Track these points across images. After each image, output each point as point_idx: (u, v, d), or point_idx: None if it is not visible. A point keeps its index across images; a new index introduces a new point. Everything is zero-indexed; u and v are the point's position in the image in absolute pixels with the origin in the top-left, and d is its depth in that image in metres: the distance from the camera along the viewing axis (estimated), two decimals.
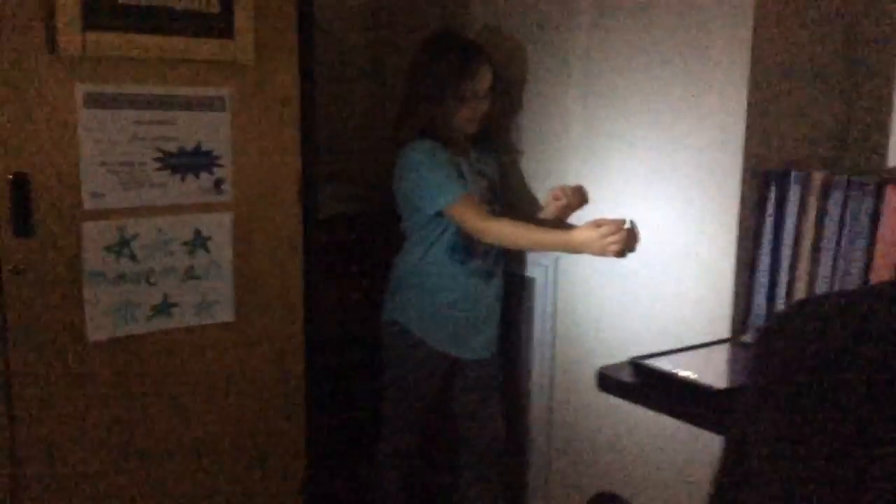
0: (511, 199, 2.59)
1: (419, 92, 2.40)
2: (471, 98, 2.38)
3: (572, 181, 2.41)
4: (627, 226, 2.17)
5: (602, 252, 2.16)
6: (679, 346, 1.97)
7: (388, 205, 2.52)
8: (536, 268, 2.57)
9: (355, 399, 2.89)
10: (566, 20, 2.39)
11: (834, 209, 1.92)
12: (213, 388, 2.36)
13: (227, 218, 2.29)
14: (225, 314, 2.33)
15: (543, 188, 2.50)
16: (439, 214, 2.37)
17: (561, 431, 2.56)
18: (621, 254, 2.16)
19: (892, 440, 0.85)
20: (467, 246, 2.42)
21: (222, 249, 2.29)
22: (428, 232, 2.42)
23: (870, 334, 0.89)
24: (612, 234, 2.14)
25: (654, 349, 1.92)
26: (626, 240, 2.16)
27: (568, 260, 2.46)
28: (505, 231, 2.33)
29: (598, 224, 2.18)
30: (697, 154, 2.08)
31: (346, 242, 2.93)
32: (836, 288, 1.90)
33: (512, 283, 2.60)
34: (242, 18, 2.22)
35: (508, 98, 2.55)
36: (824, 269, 1.95)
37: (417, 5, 2.98)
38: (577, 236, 2.20)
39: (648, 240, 2.22)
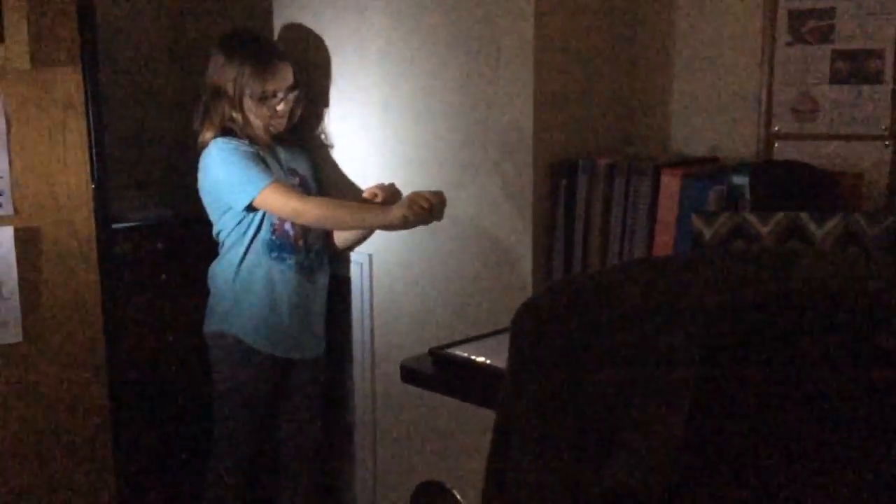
0: (326, 194, 2.56)
1: (216, 93, 2.34)
2: (268, 98, 2.34)
3: (378, 175, 2.43)
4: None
5: (412, 214, 2.13)
6: (488, 333, 2.02)
7: (197, 210, 2.44)
8: (352, 266, 2.57)
9: (169, 416, 2.77)
10: (362, 16, 2.40)
11: (618, 194, 2.03)
12: (4, 417, 2.21)
13: (7, 232, 2.15)
14: (12, 335, 2.18)
15: (357, 181, 2.50)
16: (251, 209, 2.31)
17: (385, 426, 2.57)
18: (427, 217, 2.16)
19: (637, 409, 0.89)
20: (284, 242, 2.38)
21: (5, 266, 2.15)
22: (242, 232, 2.36)
23: (616, 312, 0.93)
24: (421, 197, 2.15)
25: (463, 337, 1.96)
26: (433, 202, 2.16)
27: (381, 257, 2.48)
28: (323, 207, 2.30)
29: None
30: (492, 149, 2.14)
31: (153, 251, 2.81)
32: None
33: (329, 283, 2.58)
34: (13, 21, 2.09)
35: (315, 94, 2.53)
36: (613, 249, 2.05)
37: (219, 5, 2.90)
38: (389, 206, 2.21)
39: (452, 234, 2.26)
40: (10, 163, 2.15)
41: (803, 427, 0.87)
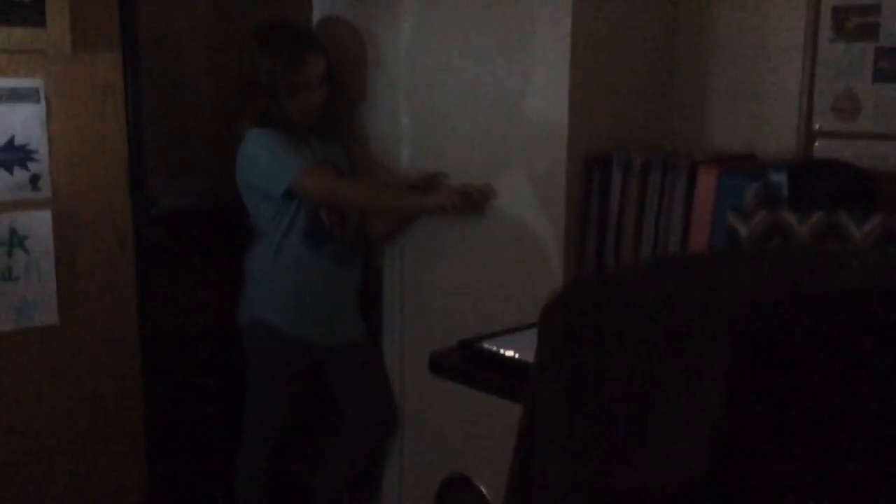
0: None
1: (252, 83, 2.36)
2: (303, 88, 2.35)
3: (411, 168, 2.42)
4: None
5: (446, 202, 2.20)
6: (518, 326, 2.01)
7: (233, 199, 2.46)
8: (385, 257, 2.57)
9: (200, 403, 2.80)
10: (398, 10, 2.40)
11: (653, 189, 2.01)
12: (37, 398, 2.24)
13: (45, 215, 2.18)
14: (47, 317, 2.21)
15: (391, 174, 2.50)
16: (289, 196, 2.32)
17: (412, 416, 2.58)
18: (465, 209, 2.21)
19: (666, 403, 0.88)
20: (321, 230, 2.40)
21: (42, 249, 2.18)
22: (279, 221, 2.38)
23: (646, 307, 0.92)
24: (459, 192, 2.20)
25: (494, 330, 1.95)
26: (467, 197, 2.20)
27: (413, 248, 2.48)
28: (360, 187, 2.36)
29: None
30: (527, 142, 2.13)
31: (189, 237, 2.84)
32: None
33: (362, 272, 2.59)
34: (55, 6, 2.11)
35: (350, 85, 2.54)
36: (647, 245, 2.03)
37: None
38: (429, 193, 2.27)
39: (485, 226, 2.26)
40: (50, 147, 2.17)
41: (836, 428, 0.85)
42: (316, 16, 2.66)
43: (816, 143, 2.03)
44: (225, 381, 2.63)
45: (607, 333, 0.91)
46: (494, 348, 1.67)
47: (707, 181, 1.90)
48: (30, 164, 2.15)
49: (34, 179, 2.16)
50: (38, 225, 2.18)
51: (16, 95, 2.11)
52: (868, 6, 1.94)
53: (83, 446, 2.34)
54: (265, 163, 2.32)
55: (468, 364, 1.68)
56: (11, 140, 2.12)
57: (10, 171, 2.12)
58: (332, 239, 2.43)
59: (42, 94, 2.15)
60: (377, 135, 2.55)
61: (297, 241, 2.40)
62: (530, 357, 1.65)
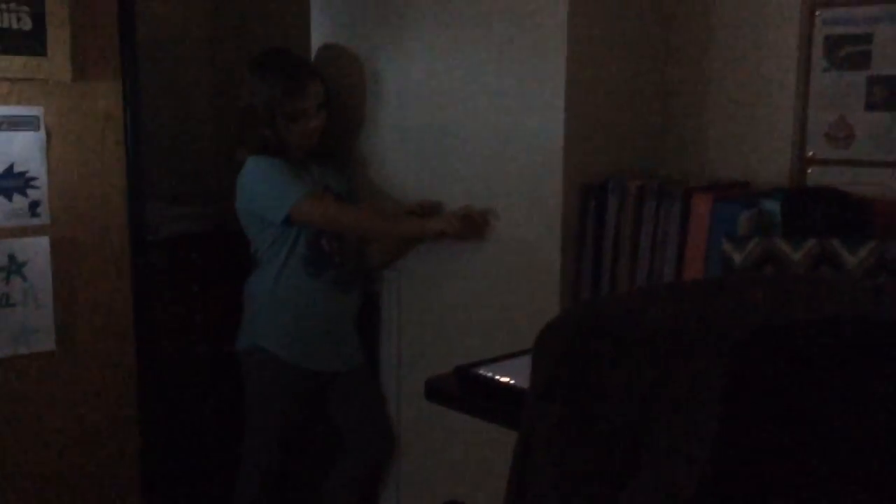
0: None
1: (250, 111, 2.38)
2: (301, 115, 2.37)
3: (409, 194, 2.44)
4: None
5: (446, 227, 2.22)
6: (515, 352, 2.02)
7: (231, 225, 2.47)
8: (382, 282, 2.58)
9: (197, 430, 2.79)
10: (397, 38, 2.43)
11: (648, 216, 2.02)
12: (34, 423, 2.24)
13: (44, 242, 2.19)
14: (45, 343, 2.21)
15: (389, 203, 2.52)
16: (289, 223, 2.34)
17: (410, 442, 2.57)
18: (464, 233, 2.23)
19: (661, 434, 0.88)
20: (321, 257, 2.41)
21: (40, 275, 2.19)
22: (279, 248, 2.39)
23: (642, 335, 0.93)
24: (459, 216, 2.23)
25: (491, 357, 1.96)
26: (468, 221, 2.22)
27: (411, 274, 2.49)
28: (359, 213, 2.37)
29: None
30: (523, 168, 2.15)
31: (186, 263, 2.84)
32: None
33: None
34: (57, 35, 2.14)
35: (349, 111, 2.56)
36: (641, 272, 2.04)
37: (256, 22, 2.95)
38: (428, 218, 2.30)
39: (482, 252, 2.27)
40: (49, 174, 2.19)
41: (829, 454, 0.86)
42: (315, 42, 2.68)
43: (809, 171, 2.05)
44: (222, 408, 2.62)
45: (602, 361, 0.92)
46: (490, 374, 1.68)
47: (701, 208, 1.92)
48: (29, 191, 2.16)
49: (33, 206, 2.17)
50: (37, 251, 2.18)
51: (16, 123, 2.13)
52: (860, 35, 1.97)
53: (79, 473, 2.34)
54: (265, 189, 2.33)
55: (464, 390, 1.69)
56: (11, 167, 2.13)
57: (10, 197, 2.14)
58: (333, 266, 2.44)
59: (42, 121, 2.16)
60: (375, 160, 2.56)
61: (298, 267, 2.40)
62: (526, 383, 1.65)
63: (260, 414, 2.48)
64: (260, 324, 2.45)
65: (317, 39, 2.68)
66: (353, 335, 2.55)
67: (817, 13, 2.01)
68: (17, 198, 2.15)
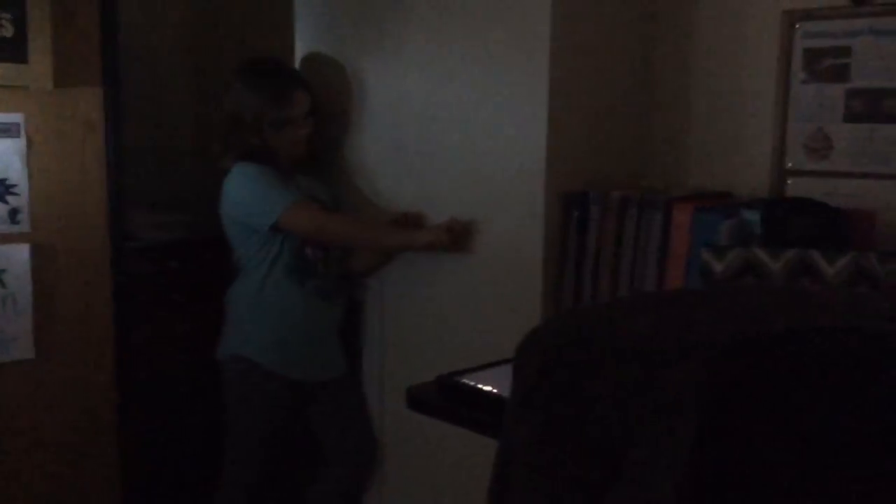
0: None
1: (236, 119, 2.37)
2: (288, 124, 2.37)
3: (391, 205, 2.44)
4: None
5: (435, 239, 2.24)
6: (497, 361, 2.02)
7: (213, 232, 2.46)
8: (366, 290, 2.58)
9: (177, 439, 2.77)
10: (382, 46, 2.43)
11: (630, 226, 2.03)
12: (13, 432, 2.22)
13: (24, 249, 2.17)
14: (23, 351, 2.20)
15: (374, 210, 2.53)
16: (276, 230, 2.33)
17: (393, 452, 2.57)
18: (451, 245, 2.25)
19: (640, 445, 0.89)
20: (304, 266, 2.40)
21: (20, 282, 2.17)
22: (264, 256, 2.38)
23: (622, 345, 0.93)
24: (446, 228, 2.24)
25: (473, 366, 1.96)
26: (456, 234, 2.24)
27: (394, 283, 2.49)
28: (347, 224, 2.38)
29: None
30: (505, 179, 2.16)
31: (167, 270, 2.82)
32: None
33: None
34: (38, 42, 2.13)
35: (334, 120, 2.56)
36: (623, 281, 2.05)
37: (239, 29, 2.95)
38: (416, 229, 2.31)
39: (465, 262, 2.28)
40: (30, 181, 2.17)
41: (810, 465, 0.86)
42: (299, 50, 2.68)
43: (789, 182, 2.07)
44: (204, 418, 2.60)
45: (582, 370, 0.92)
46: (472, 383, 1.68)
47: (682, 218, 1.93)
48: (9, 198, 2.15)
49: (13, 213, 2.16)
50: (16, 258, 2.17)
51: None
52: (839, 48, 1.99)
53: (58, 481, 2.31)
54: (252, 196, 2.32)
55: (446, 399, 1.69)
56: None
57: None
58: (317, 275, 2.43)
59: (22, 128, 2.15)
60: (360, 170, 2.56)
61: (282, 276, 2.39)
62: (507, 392, 1.66)
63: (241, 424, 2.46)
64: (242, 332, 2.43)
65: (301, 47, 2.68)
66: (337, 345, 2.54)
67: (797, 26, 2.04)
68: None
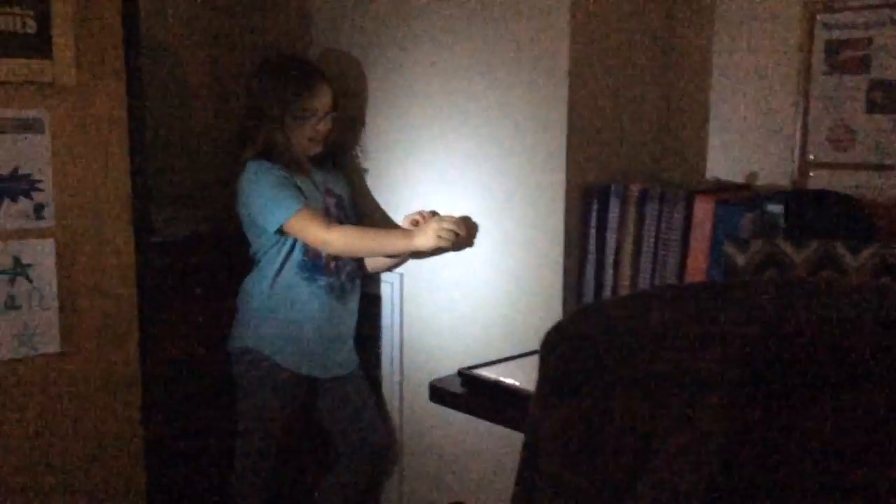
0: (364, 217, 2.60)
1: (259, 113, 2.38)
2: (310, 117, 2.38)
3: (411, 198, 2.45)
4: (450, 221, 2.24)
5: (437, 242, 2.22)
6: (517, 354, 2.03)
7: (235, 227, 2.48)
8: (383, 285, 2.59)
9: (199, 431, 2.80)
10: (398, 43, 2.44)
11: (651, 219, 2.03)
12: (40, 426, 2.24)
13: (49, 244, 2.20)
14: (50, 345, 2.22)
15: (392, 204, 2.53)
16: (282, 232, 2.35)
17: (412, 445, 2.58)
18: (454, 244, 2.24)
19: (668, 437, 0.89)
20: (315, 263, 2.41)
21: (45, 277, 2.19)
22: (276, 252, 2.40)
23: (647, 337, 0.93)
24: (445, 224, 2.23)
25: (493, 359, 1.97)
26: (457, 230, 2.23)
27: (412, 276, 2.50)
28: (349, 236, 2.36)
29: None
30: (525, 172, 2.16)
31: (190, 265, 2.85)
32: None
33: (360, 301, 2.60)
34: (61, 38, 2.15)
35: (351, 117, 2.57)
36: (644, 275, 2.05)
37: (258, 26, 2.96)
38: (415, 231, 2.29)
39: (484, 255, 2.28)
40: (54, 176, 2.20)
41: (838, 462, 0.86)
42: (316, 47, 2.69)
43: (811, 174, 2.06)
44: (226, 411, 2.63)
45: (608, 365, 0.93)
46: (494, 376, 1.69)
47: (704, 211, 1.93)
48: (34, 194, 2.17)
49: (38, 208, 2.18)
50: (42, 253, 2.19)
51: (21, 126, 2.13)
52: (860, 39, 1.98)
53: (83, 475, 2.34)
54: (262, 198, 2.34)
55: (468, 392, 1.70)
56: (16, 170, 2.14)
57: (15, 200, 2.14)
58: (328, 272, 2.44)
59: (47, 124, 2.17)
60: (377, 165, 2.57)
61: (292, 272, 2.41)
62: (529, 385, 1.66)
63: (251, 417, 2.48)
64: (252, 325, 2.46)
65: (318, 43, 2.69)
66: (348, 341, 2.55)
67: (818, 17, 2.03)
68: (22, 200, 2.15)
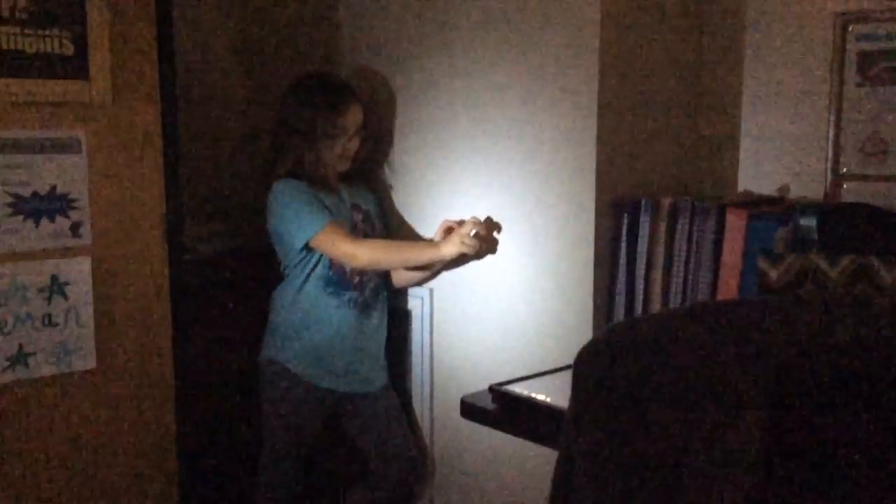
0: (392, 232, 2.61)
1: (289, 130, 2.41)
2: (340, 135, 2.41)
3: (442, 212, 2.46)
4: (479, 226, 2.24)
5: (461, 248, 2.22)
6: (548, 370, 2.02)
7: (267, 243, 2.51)
8: (412, 300, 2.60)
9: (232, 447, 2.82)
10: (428, 62, 2.45)
11: (681, 233, 2.02)
12: (75, 441, 2.27)
13: (85, 262, 2.23)
14: (86, 362, 2.25)
15: (420, 217, 2.54)
16: (309, 248, 2.37)
17: (442, 461, 2.58)
18: (480, 251, 2.25)
19: (703, 453, 0.89)
20: (340, 278, 2.43)
21: (81, 295, 2.23)
22: (301, 267, 2.43)
23: (681, 355, 0.93)
24: (465, 229, 2.23)
25: (523, 374, 1.96)
26: (483, 238, 2.24)
27: (441, 291, 2.50)
28: (375, 249, 2.38)
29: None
30: (555, 186, 2.16)
31: (222, 282, 2.88)
32: None
33: (390, 316, 2.61)
34: (98, 59, 2.19)
35: (380, 134, 2.59)
36: (676, 289, 2.04)
37: (289, 46, 3.00)
38: (441, 242, 2.30)
39: (513, 270, 2.28)
40: (90, 196, 2.23)
41: (876, 483, 0.86)
42: (346, 67, 2.72)
43: (845, 186, 2.04)
44: (260, 427, 2.64)
45: (642, 382, 0.93)
46: (526, 392, 1.69)
47: (736, 225, 1.92)
48: (70, 213, 2.21)
49: (75, 227, 2.22)
50: (78, 272, 2.22)
51: (58, 146, 2.18)
52: (893, 51, 1.96)
53: (118, 490, 2.36)
54: (290, 214, 2.37)
55: (500, 408, 1.69)
56: (53, 189, 2.18)
57: (52, 219, 2.18)
58: (352, 287, 2.45)
59: (84, 144, 2.21)
60: (406, 179, 2.59)
61: (318, 287, 2.43)
62: (561, 401, 1.66)
63: (272, 427, 2.50)
64: (278, 337, 2.49)
65: (348, 61, 2.72)
66: (375, 357, 2.55)
67: (850, 28, 2.01)
68: (59, 219, 2.19)
